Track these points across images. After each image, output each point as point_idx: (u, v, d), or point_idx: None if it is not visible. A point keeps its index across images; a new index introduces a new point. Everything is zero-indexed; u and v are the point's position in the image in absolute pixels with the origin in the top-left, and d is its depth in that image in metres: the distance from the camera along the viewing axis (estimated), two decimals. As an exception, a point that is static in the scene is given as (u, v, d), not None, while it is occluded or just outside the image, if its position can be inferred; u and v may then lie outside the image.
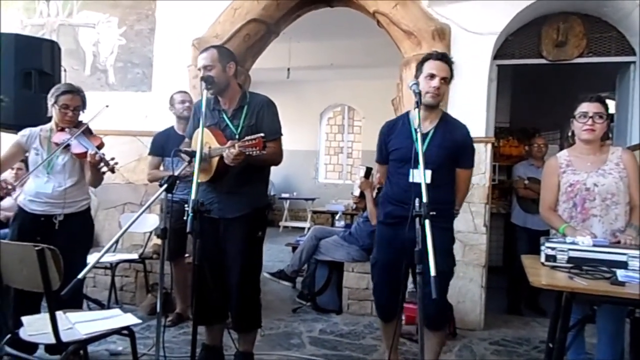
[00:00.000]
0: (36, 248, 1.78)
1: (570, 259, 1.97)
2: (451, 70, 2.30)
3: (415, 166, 2.15)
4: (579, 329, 2.14)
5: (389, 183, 2.45)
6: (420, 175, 1.91)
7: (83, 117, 2.69)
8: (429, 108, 2.30)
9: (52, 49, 3.80)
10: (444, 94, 2.31)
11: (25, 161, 2.71)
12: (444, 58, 2.30)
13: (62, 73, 3.95)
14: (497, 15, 3.63)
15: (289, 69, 7.01)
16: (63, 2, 4.71)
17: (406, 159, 2.26)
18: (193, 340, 2.04)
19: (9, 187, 2.44)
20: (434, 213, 1.80)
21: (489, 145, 3.68)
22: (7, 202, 3.83)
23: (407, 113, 2.42)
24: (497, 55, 3.78)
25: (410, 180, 2.26)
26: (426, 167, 2.15)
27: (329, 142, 10.23)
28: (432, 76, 2.25)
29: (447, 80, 2.28)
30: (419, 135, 1.97)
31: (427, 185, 2.12)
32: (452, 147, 2.28)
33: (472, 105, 3.68)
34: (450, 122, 2.38)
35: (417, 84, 2.15)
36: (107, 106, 2.68)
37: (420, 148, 1.95)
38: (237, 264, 2.44)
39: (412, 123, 2.32)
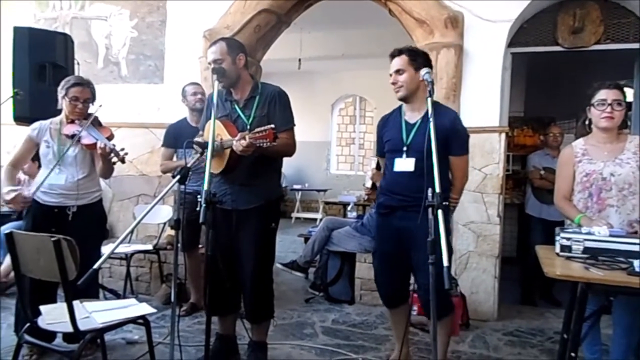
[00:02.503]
0: (52, 239, 1.81)
1: (586, 250, 1.94)
2: (409, 57, 2.30)
3: (399, 155, 2.31)
4: (595, 320, 2.11)
5: (384, 174, 2.52)
6: (434, 165, 1.89)
7: (93, 109, 2.72)
8: (406, 101, 2.37)
9: (65, 42, 3.84)
10: (408, 82, 2.30)
11: (32, 157, 2.76)
12: (395, 53, 2.35)
13: (76, 66, 3.99)
14: (512, 2, 3.55)
15: (300, 60, 6.97)
16: (75, -5, 4.74)
17: (395, 150, 2.37)
18: (207, 330, 2.07)
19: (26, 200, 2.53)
20: (445, 202, 1.81)
21: (503, 135, 3.63)
22: (27, 193, 3.90)
23: (400, 106, 2.46)
24: (511, 43, 3.71)
25: (395, 169, 2.35)
26: (411, 155, 2.29)
27: (340, 133, 10.20)
28: (390, 76, 2.36)
29: (400, 71, 2.31)
30: (431, 124, 1.96)
31: (410, 173, 2.27)
32: (439, 134, 2.22)
33: (486, 94, 3.63)
34: (438, 109, 2.32)
35: (429, 72, 2.13)
36: (100, 105, 2.70)
37: (429, 138, 1.96)
38: (250, 255, 2.45)
39: (404, 115, 2.40)
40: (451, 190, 2.39)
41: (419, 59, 2.32)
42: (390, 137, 2.41)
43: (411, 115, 2.38)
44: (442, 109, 2.38)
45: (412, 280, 2.52)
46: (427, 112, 2.28)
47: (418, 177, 2.20)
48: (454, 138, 2.29)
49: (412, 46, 2.39)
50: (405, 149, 2.32)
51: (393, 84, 2.34)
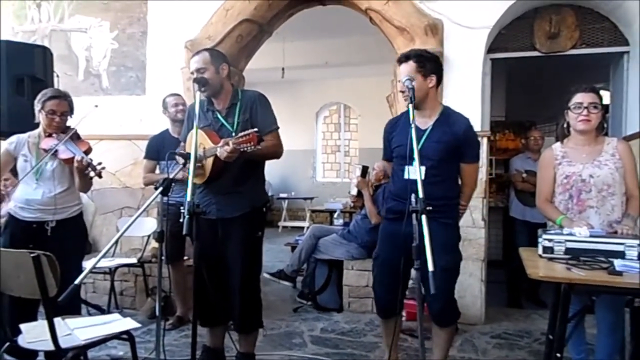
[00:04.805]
0: (32, 255, 1.77)
1: (568, 250, 1.97)
2: (417, 64, 2.22)
3: (410, 163, 2.19)
4: (579, 320, 2.13)
5: (392, 179, 2.47)
6: (416, 171, 1.91)
7: (71, 121, 2.68)
8: (416, 109, 2.25)
9: (44, 54, 3.79)
10: (418, 89, 2.19)
11: (12, 171, 2.70)
12: (402, 59, 2.28)
13: (55, 79, 3.94)
14: (489, 9, 3.62)
15: (283, 69, 6.99)
16: (54, 8, 4.69)
17: (405, 156, 2.26)
18: (193, 342, 2.04)
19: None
20: (430, 208, 1.80)
21: (485, 139, 3.68)
22: (4, 209, 3.82)
23: (409, 110, 2.35)
24: (490, 49, 3.78)
25: (405, 177, 2.28)
26: (423, 163, 2.17)
27: (325, 141, 10.23)
28: (399, 82, 2.28)
29: (411, 78, 2.20)
30: (413, 130, 1.98)
31: (422, 181, 2.12)
32: (451, 141, 2.24)
33: (467, 99, 3.68)
34: (451, 116, 2.32)
35: (410, 79, 2.15)
36: (96, 106, 2.67)
37: (415, 144, 1.96)
38: (237, 265, 2.43)
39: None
40: (460, 197, 2.38)
41: (428, 64, 2.24)
42: (399, 142, 2.33)
43: (421, 122, 2.29)
44: (455, 115, 2.34)
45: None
46: (438, 119, 2.27)
47: (428, 185, 2.08)
48: (467, 145, 2.26)
49: (421, 50, 2.30)
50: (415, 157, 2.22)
51: (402, 92, 2.24)
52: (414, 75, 2.22)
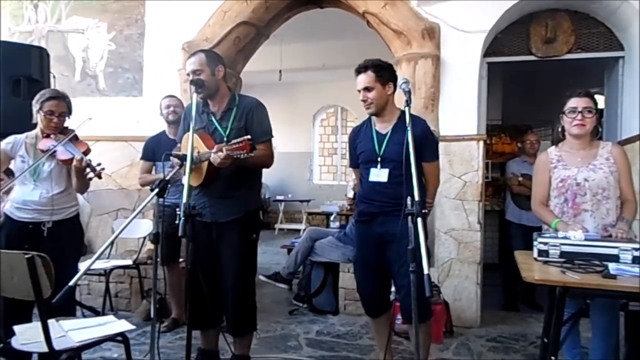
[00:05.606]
0: (26, 256, 1.76)
1: (563, 254, 1.98)
2: (376, 74, 2.32)
3: (374, 166, 2.37)
4: (573, 323, 2.14)
5: (361, 184, 2.56)
6: (413, 174, 1.91)
7: (69, 122, 2.67)
8: (377, 115, 2.41)
9: (40, 55, 3.78)
10: (379, 98, 2.34)
11: (7, 171, 2.69)
12: (360, 69, 2.37)
13: (52, 79, 3.93)
14: (486, 13, 3.65)
15: (280, 71, 7.00)
16: (51, 8, 4.69)
17: (369, 160, 2.41)
18: (188, 345, 2.03)
19: None
20: (426, 211, 1.82)
21: (481, 143, 3.69)
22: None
23: (370, 118, 2.49)
24: (487, 53, 3.80)
25: (370, 179, 2.39)
26: (387, 166, 2.34)
27: (322, 144, 10.23)
28: (359, 92, 2.37)
29: (369, 88, 2.33)
30: (409, 134, 1.98)
31: (385, 183, 2.32)
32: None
33: (464, 103, 3.70)
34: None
35: (406, 82, 2.16)
36: (90, 118, 2.67)
37: (412, 147, 1.97)
38: (231, 267, 2.43)
39: (374, 125, 2.45)
40: (426, 195, 2.45)
41: (385, 72, 2.35)
42: (363, 148, 2.46)
43: (382, 127, 2.43)
44: (413, 118, 2.42)
45: (393, 288, 2.53)
46: (397, 122, 2.37)
47: (393, 185, 2.28)
48: (425, 145, 2.34)
49: (376, 60, 2.40)
50: (379, 159, 2.37)
51: (363, 100, 2.37)
52: (373, 84, 2.34)
